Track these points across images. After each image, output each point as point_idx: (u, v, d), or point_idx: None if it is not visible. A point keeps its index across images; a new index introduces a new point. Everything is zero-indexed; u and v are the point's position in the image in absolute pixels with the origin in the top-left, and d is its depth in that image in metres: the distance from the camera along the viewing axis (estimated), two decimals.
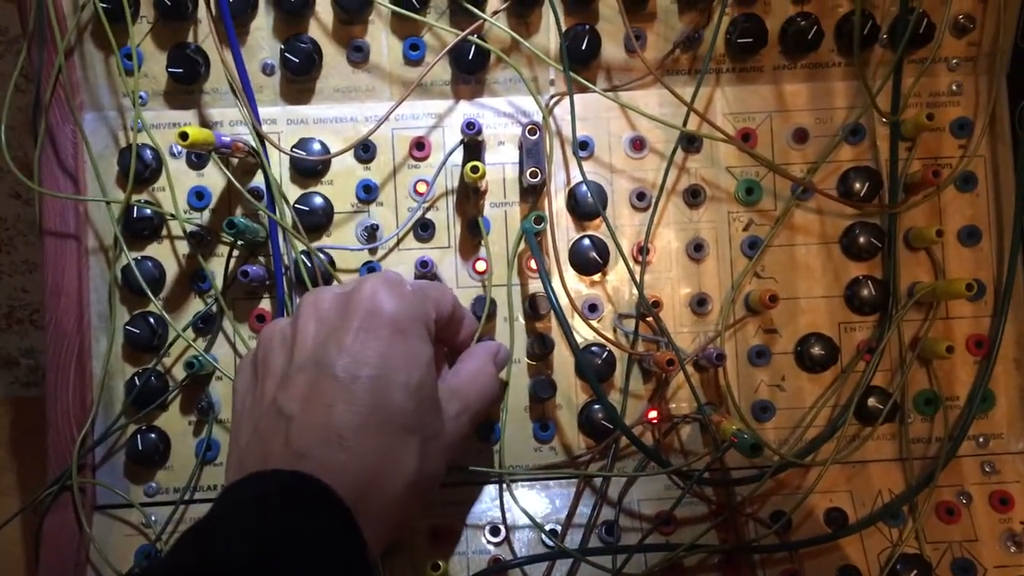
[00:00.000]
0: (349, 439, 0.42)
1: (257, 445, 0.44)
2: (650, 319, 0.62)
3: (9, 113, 0.57)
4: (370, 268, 0.61)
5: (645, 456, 0.60)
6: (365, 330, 0.45)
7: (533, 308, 0.60)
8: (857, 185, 0.61)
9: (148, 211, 0.59)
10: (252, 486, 0.41)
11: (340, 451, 0.42)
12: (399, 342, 0.45)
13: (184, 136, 0.49)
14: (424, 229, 0.61)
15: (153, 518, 0.59)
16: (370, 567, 0.40)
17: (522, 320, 0.62)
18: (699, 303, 0.62)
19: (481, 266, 0.61)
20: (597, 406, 0.61)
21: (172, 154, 0.61)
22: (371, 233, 0.61)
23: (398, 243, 0.62)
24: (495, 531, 0.60)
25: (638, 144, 0.62)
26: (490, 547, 0.59)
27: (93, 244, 0.61)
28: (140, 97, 0.60)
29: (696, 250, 0.62)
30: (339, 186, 0.61)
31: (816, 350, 0.61)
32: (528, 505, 0.60)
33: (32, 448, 0.95)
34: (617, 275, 0.62)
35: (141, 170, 0.59)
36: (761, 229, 0.62)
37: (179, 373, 0.60)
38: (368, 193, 0.61)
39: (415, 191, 0.61)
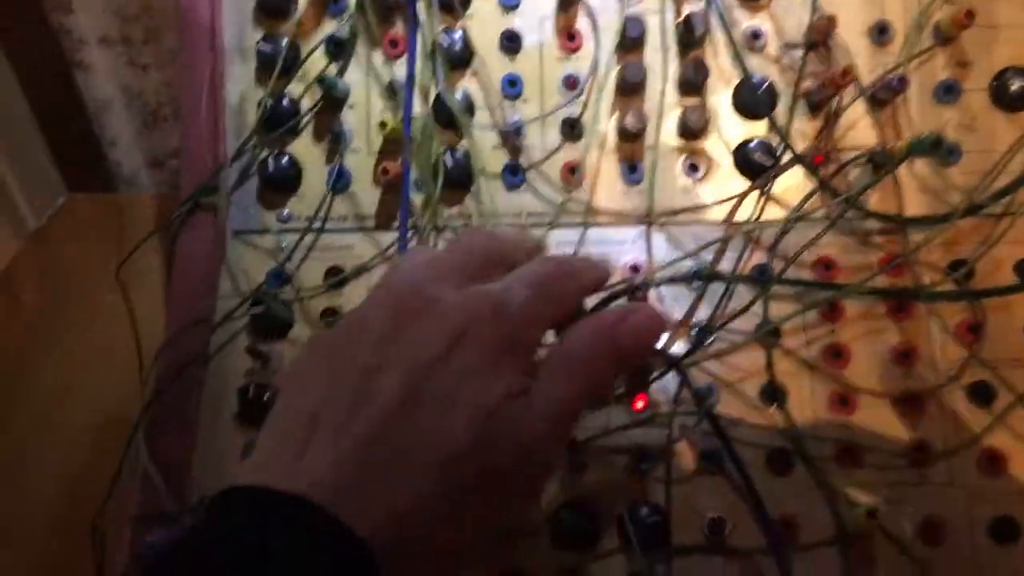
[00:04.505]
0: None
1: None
2: (822, 49, 0.54)
3: None
4: None
5: (805, 200, 0.54)
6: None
7: (688, 28, 0.54)
8: None
9: None
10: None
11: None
12: None
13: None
14: None
15: (284, 243, 0.57)
16: None
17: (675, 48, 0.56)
18: (880, 31, 0.55)
19: None
20: (754, 142, 0.55)
21: None
22: None
23: None
24: (635, 270, 0.55)
25: None
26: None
27: None
28: None
29: None
30: None
31: (1015, 85, 0.53)
32: (675, 246, 0.55)
33: None
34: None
35: None
36: None
37: (311, 101, 0.58)
38: None
39: None
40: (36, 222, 0.98)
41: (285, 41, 0.57)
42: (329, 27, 0.58)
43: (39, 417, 0.80)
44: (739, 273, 0.53)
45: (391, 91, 0.57)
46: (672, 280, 0.53)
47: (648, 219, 0.56)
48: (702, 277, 0.53)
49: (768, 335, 0.52)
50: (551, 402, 0.32)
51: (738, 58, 0.50)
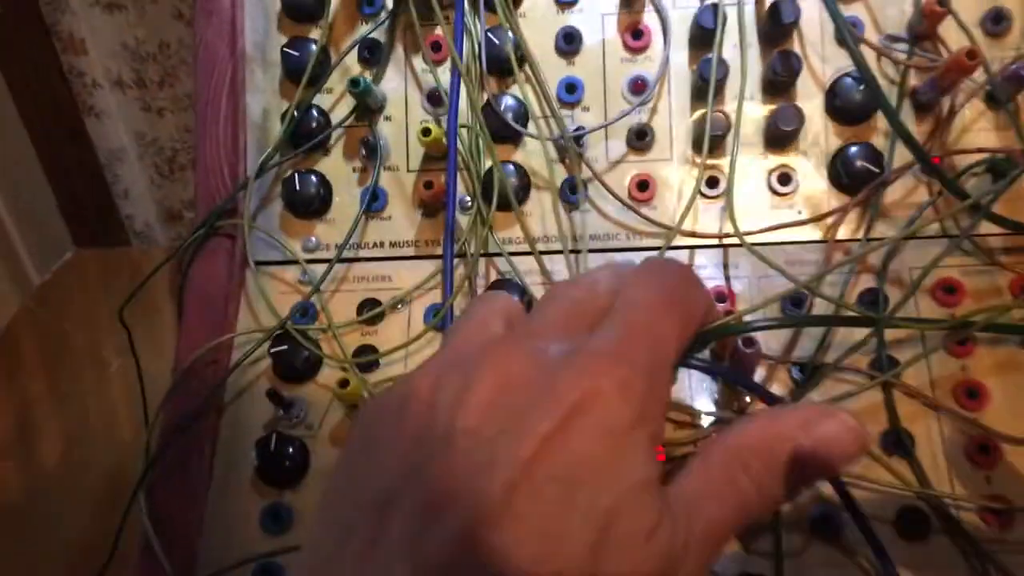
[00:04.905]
0: None
1: None
2: (928, 43, 0.47)
3: None
4: None
5: (921, 211, 0.46)
6: None
7: (775, 17, 0.47)
8: None
9: None
10: None
11: None
12: None
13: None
14: None
15: (307, 275, 0.50)
16: None
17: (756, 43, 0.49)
18: (994, 20, 0.48)
19: None
20: (855, 148, 0.47)
21: None
22: None
23: None
24: (720, 298, 0.47)
25: None
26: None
27: None
28: None
29: None
30: None
31: None
32: (763, 270, 0.47)
33: None
34: None
35: None
36: None
37: (342, 114, 0.51)
38: None
39: None
40: (40, 278, 0.92)
41: (314, 45, 0.50)
42: (363, 30, 0.51)
43: (44, 482, 0.74)
44: (847, 302, 0.45)
45: (433, 100, 0.50)
46: (767, 326, 0.44)
47: (732, 239, 0.47)
48: (800, 322, 0.45)
49: (886, 373, 0.43)
50: (699, 520, 0.24)
51: (846, 44, 0.42)
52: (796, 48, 0.49)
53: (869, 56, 0.48)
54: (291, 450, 0.44)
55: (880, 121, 0.48)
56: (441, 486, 0.22)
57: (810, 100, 0.49)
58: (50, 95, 0.90)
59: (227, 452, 0.46)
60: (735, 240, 0.47)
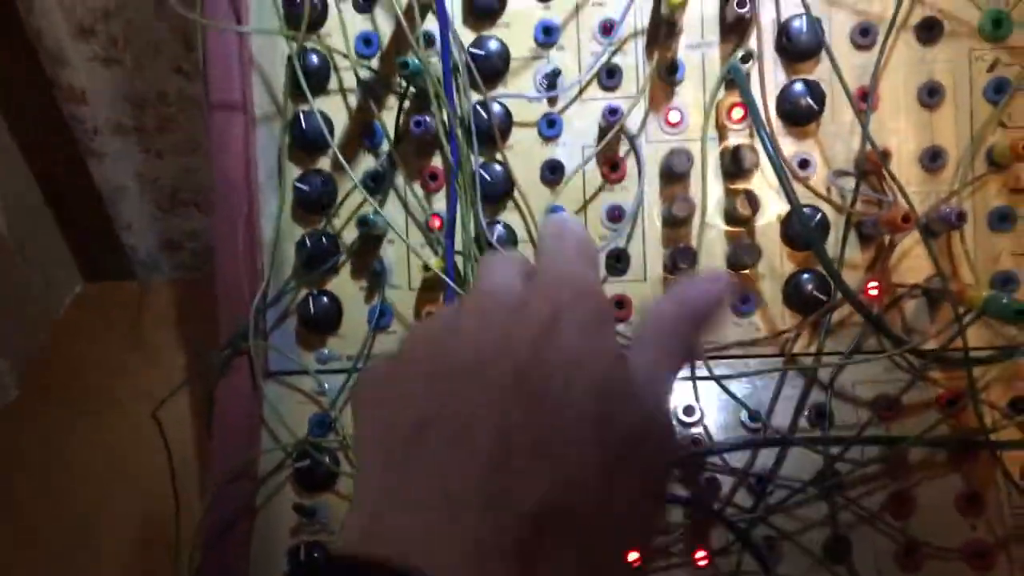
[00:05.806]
0: None
1: None
2: (873, 177, 0.53)
3: None
4: (550, 121, 0.55)
5: (865, 332, 0.53)
6: None
7: (736, 162, 0.53)
8: None
9: (316, 58, 0.54)
10: None
11: None
12: None
13: None
14: (610, 76, 0.55)
15: (327, 385, 0.56)
16: None
17: (720, 179, 0.55)
18: (931, 158, 0.53)
19: (675, 117, 0.54)
20: (807, 275, 0.53)
21: None
22: (551, 80, 0.54)
23: (581, 92, 0.55)
24: (689, 411, 0.54)
25: None
26: (684, 429, 0.54)
27: (260, 105, 0.57)
28: None
29: (930, 95, 0.53)
30: (516, 29, 0.55)
31: None
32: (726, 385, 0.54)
33: (201, 328, 0.94)
34: (834, 126, 0.54)
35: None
36: (1010, 70, 0.53)
37: (349, 237, 0.56)
38: (548, 35, 0.55)
39: (600, 32, 0.55)
40: (55, 314, 0.96)
41: (320, 180, 0.55)
42: (365, 160, 0.56)
43: (68, 531, 0.76)
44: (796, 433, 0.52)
45: (431, 226, 0.56)
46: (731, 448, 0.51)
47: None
48: (760, 442, 0.52)
49: (831, 487, 0.50)
50: (647, 364, 0.30)
51: (787, 191, 0.49)
52: (757, 181, 0.55)
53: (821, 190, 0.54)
54: (316, 555, 0.51)
55: (831, 248, 0.54)
56: (468, 394, 0.27)
57: (769, 228, 0.55)
58: (52, 141, 0.94)
59: (259, 556, 0.52)
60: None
